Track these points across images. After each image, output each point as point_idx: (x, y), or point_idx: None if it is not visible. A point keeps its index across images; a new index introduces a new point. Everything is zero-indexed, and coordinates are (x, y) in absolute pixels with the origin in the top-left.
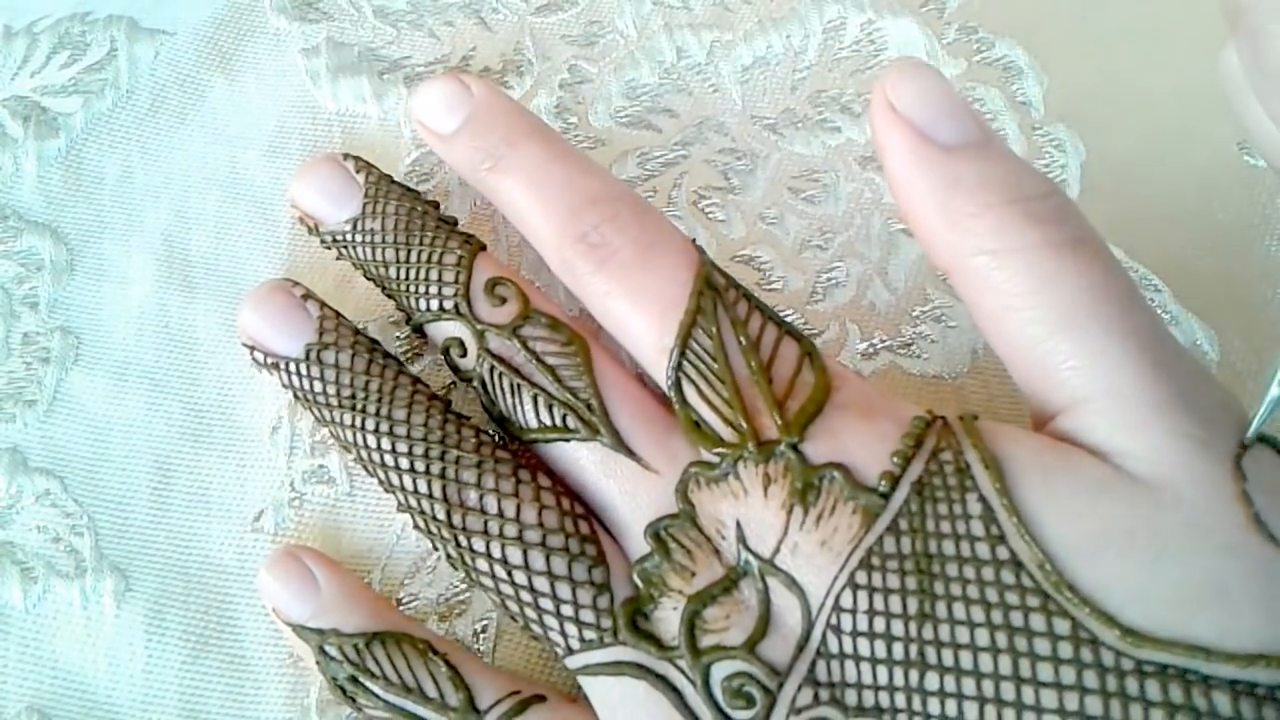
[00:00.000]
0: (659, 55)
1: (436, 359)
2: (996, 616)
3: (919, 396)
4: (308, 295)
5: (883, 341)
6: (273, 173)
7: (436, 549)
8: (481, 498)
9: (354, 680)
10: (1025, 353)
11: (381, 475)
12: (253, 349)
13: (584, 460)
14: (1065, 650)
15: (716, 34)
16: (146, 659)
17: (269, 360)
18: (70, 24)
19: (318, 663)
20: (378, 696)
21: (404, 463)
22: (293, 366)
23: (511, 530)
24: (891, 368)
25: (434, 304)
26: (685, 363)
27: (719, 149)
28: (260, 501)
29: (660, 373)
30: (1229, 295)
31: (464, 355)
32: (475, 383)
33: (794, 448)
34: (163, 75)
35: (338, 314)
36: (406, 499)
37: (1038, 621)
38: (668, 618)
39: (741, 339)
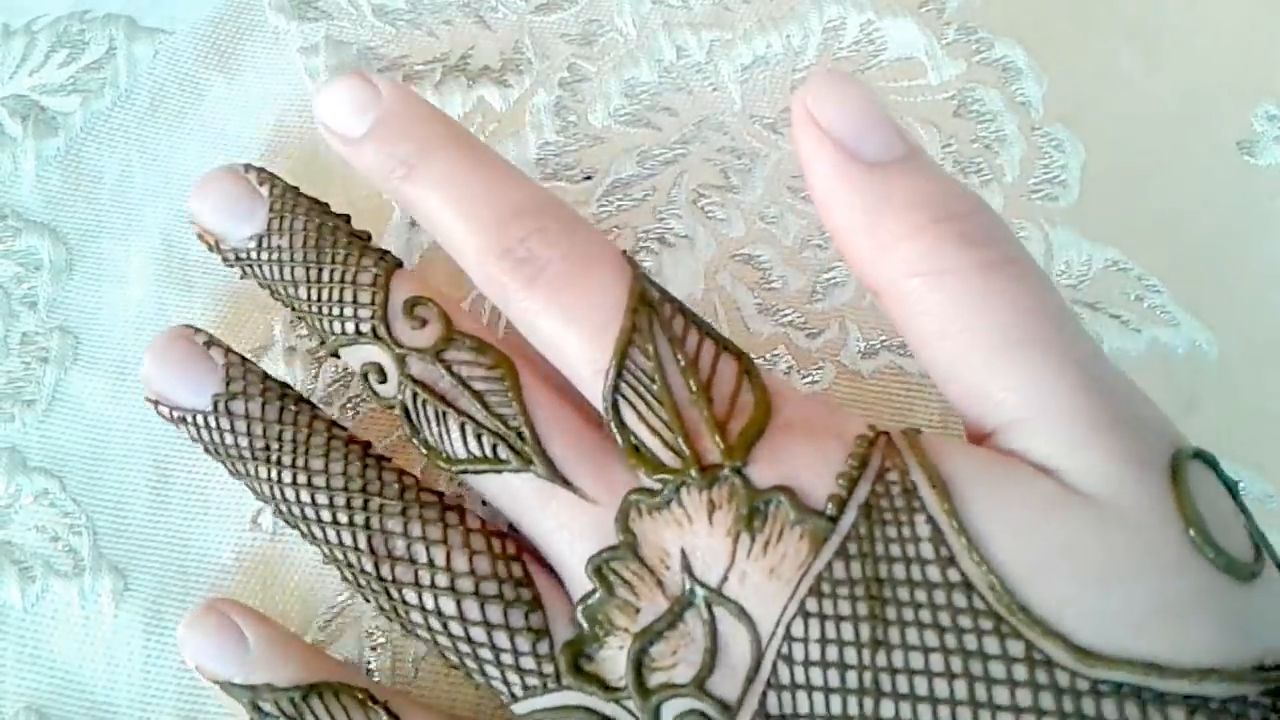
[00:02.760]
0: (658, 54)
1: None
2: (950, 640)
3: (918, 396)
4: (211, 342)
5: (883, 341)
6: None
7: (368, 601)
8: (409, 546)
9: None
10: (961, 375)
11: (304, 529)
12: (157, 404)
13: (518, 492)
14: (1020, 673)
15: (716, 33)
16: (145, 658)
17: (175, 415)
18: (69, 22)
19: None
20: None
21: (325, 515)
22: (200, 420)
23: (443, 579)
24: (891, 367)
25: (349, 326)
26: (623, 384)
27: (718, 147)
28: (258, 501)
29: (596, 395)
30: (1228, 296)
31: (384, 381)
32: (397, 410)
33: (739, 471)
34: (161, 74)
35: (244, 359)
36: (331, 551)
37: (991, 644)
38: (614, 657)
39: (679, 357)
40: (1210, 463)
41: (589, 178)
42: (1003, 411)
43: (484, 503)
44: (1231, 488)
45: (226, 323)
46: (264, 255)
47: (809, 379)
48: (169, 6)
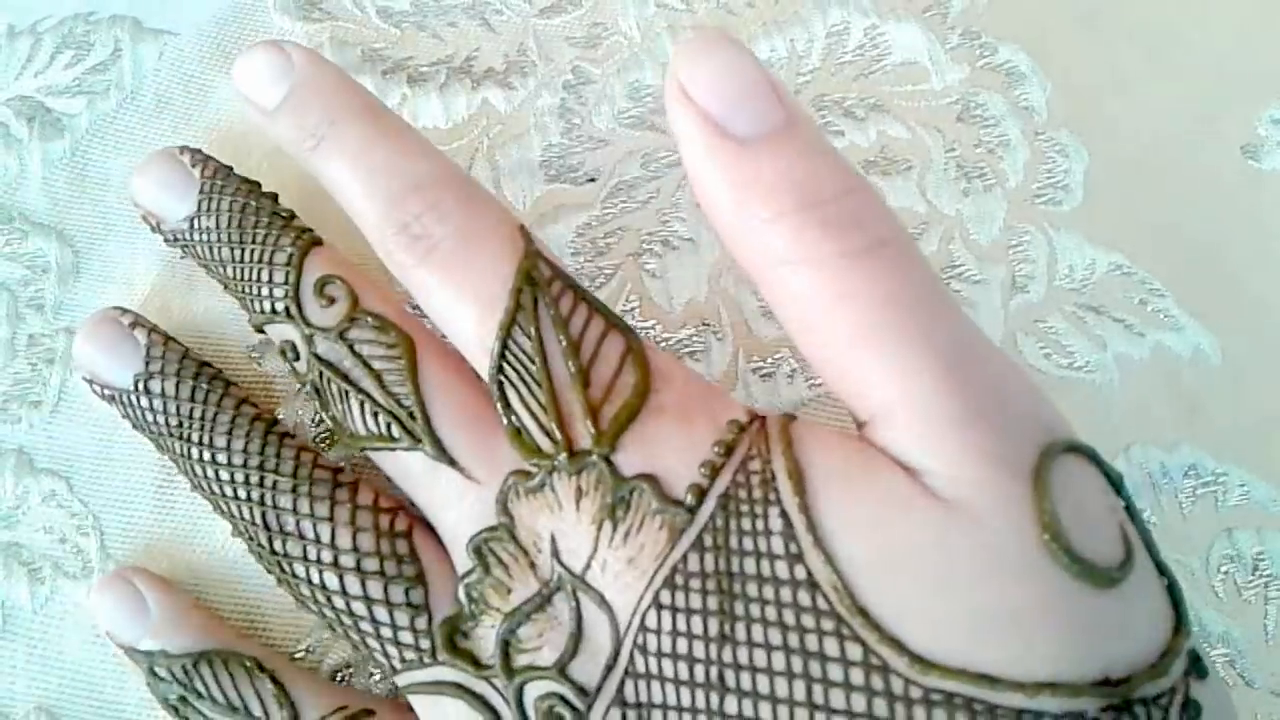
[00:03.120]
0: (662, 57)
1: None
2: (793, 640)
3: None
4: (136, 323)
5: None
6: (277, 174)
7: (270, 573)
8: (299, 523)
9: (184, 700)
10: (827, 365)
11: (213, 503)
12: (91, 383)
13: (410, 469)
14: (857, 677)
15: None
16: None
17: (105, 393)
18: (74, 24)
19: (149, 684)
20: (206, 717)
21: (228, 490)
22: (126, 398)
23: (328, 555)
24: None
25: (266, 305)
26: (505, 365)
27: None
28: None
29: (486, 374)
30: (1232, 300)
31: (298, 359)
32: (308, 388)
33: (606, 459)
34: (167, 76)
35: (167, 338)
36: (235, 525)
37: (831, 646)
38: (486, 636)
39: (561, 338)
40: (1090, 455)
41: (593, 180)
42: (868, 405)
43: None
44: (1115, 482)
45: (230, 323)
46: (195, 235)
47: (811, 382)
48: (174, 8)
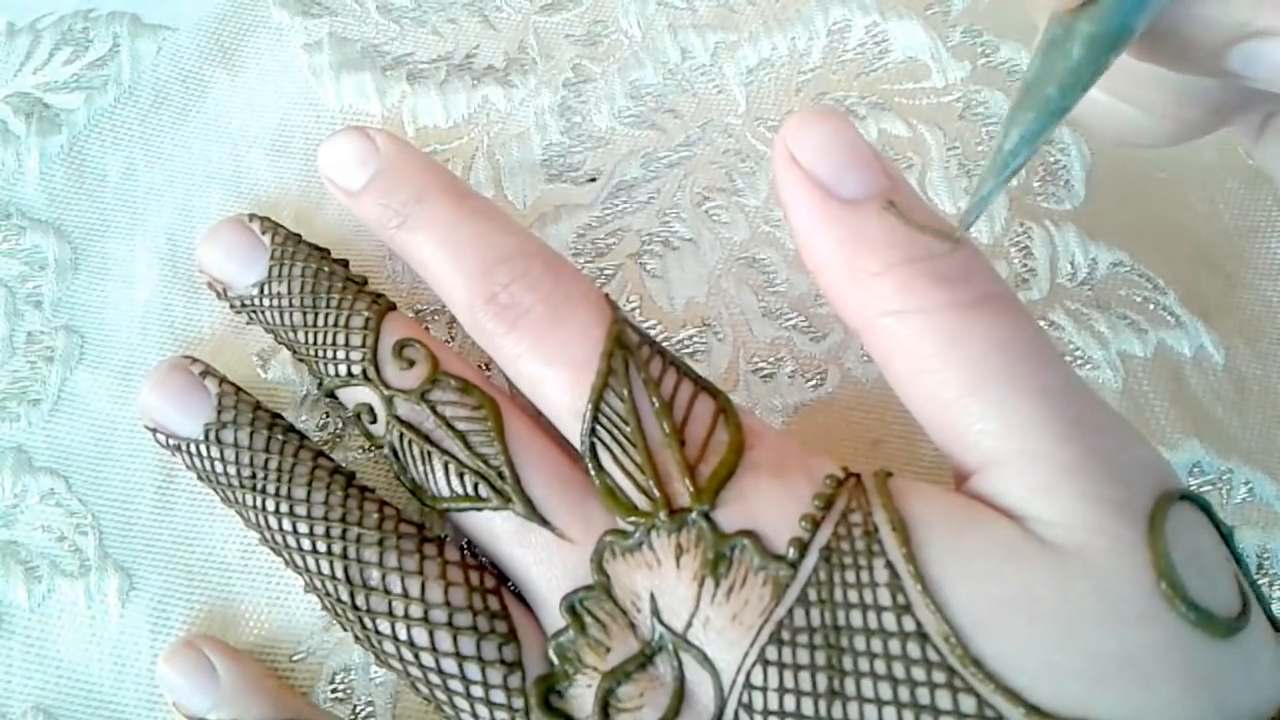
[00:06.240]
0: (663, 56)
1: None
2: (904, 694)
3: None
4: (207, 372)
5: None
6: (276, 171)
7: (345, 630)
8: (384, 577)
9: None
10: (936, 414)
11: (286, 556)
12: (155, 431)
13: (497, 529)
14: None
15: (721, 35)
16: (151, 657)
17: (170, 443)
18: (73, 20)
19: None
20: None
21: (305, 543)
22: (193, 448)
23: (416, 610)
24: None
25: (341, 369)
26: (598, 427)
27: (723, 150)
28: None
29: (575, 436)
30: (1234, 298)
31: (374, 421)
32: (386, 450)
33: (705, 516)
34: (165, 71)
35: (238, 389)
36: (310, 580)
37: (944, 699)
38: (582, 695)
39: (654, 400)
40: (1203, 506)
41: (594, 179)
42: (978, 452)
43: (466, 541)
44: (1226, 534)
45: (231, 323)
46: (265, 301)
47: (813, 383)
48: (173, 3)
